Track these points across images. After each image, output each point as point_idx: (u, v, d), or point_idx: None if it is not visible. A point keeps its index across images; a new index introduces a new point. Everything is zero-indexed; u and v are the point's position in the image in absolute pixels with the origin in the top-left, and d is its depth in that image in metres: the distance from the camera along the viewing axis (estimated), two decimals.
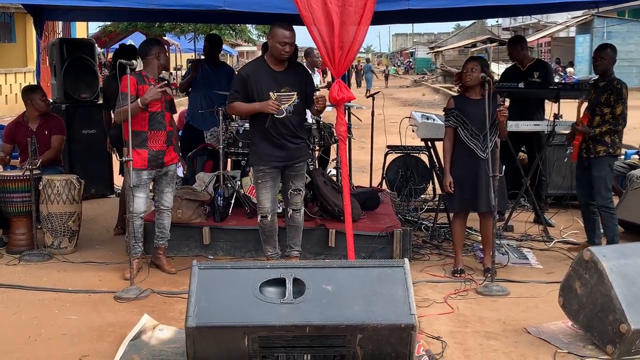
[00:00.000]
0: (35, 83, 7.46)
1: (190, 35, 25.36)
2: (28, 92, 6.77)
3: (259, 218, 5.47)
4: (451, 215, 6.12)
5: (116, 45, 14.19)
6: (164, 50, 5.66)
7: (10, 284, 5.34)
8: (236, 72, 6.21)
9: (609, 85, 5.95)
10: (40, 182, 6.10)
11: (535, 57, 9.27)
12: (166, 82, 5.54)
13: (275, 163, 5.35)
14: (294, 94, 5.26)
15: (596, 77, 6.30)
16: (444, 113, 5.82)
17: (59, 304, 4.97)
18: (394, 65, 62.39)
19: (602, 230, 6.23)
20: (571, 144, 6.32)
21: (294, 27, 5.24)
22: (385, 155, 8.61)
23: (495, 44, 38.68)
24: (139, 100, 5.29)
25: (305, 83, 5.39)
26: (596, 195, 6.02)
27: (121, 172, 6.80)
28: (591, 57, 6.95)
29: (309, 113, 5.76)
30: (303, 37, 6.90)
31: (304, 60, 8.79)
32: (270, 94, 5.21)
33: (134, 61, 5.27)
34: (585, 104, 6.13)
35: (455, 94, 7.48)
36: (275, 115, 5.19)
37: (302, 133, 5.45)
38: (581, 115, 6.06)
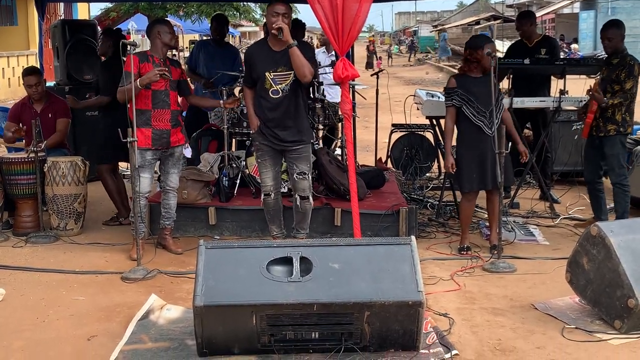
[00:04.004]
0: (38, 66, 7.43)
1: (193, 17, 25.30)
2: (22, 75, 6.76)
3: (262, 196, 5.47)
4: (457, 193, 6.10)
5: (118, 27, 14.11)
6: (165, 29, 5.49)
7: (18, 266, 5.36)
8: (241, 53, 6.19)
9: (622, 61, 5.90)
10: (45, 164, 6.10)
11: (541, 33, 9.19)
12: (167, 68, 5.43)
13: (271, 140, 5.26)
14: (290, 73, 5.14)
15: (602, 52, 6.25)
16: (444, 93, 5.77)
17: (66, 285, 4.98)
18: (397, 44, 61.98)
19: (610, 206, 6.22)
20: (582, 121, 6.28)
21: (299, 5, 5.20)
22: (390, 133, 8.59)
23: (499, 21, 38.37)
24: (137, 80, 5.23)
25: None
26: (610, 172, 6.01)
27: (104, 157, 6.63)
28: (595, 33, 6.89)
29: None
30: (307, 16, 6.85)
31: None
32: (267, 74, 5.16)
33: (136, 40, 5.25)
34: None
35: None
36: (270, 95, 5.17)
37: (298, 115, 5.25)
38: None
